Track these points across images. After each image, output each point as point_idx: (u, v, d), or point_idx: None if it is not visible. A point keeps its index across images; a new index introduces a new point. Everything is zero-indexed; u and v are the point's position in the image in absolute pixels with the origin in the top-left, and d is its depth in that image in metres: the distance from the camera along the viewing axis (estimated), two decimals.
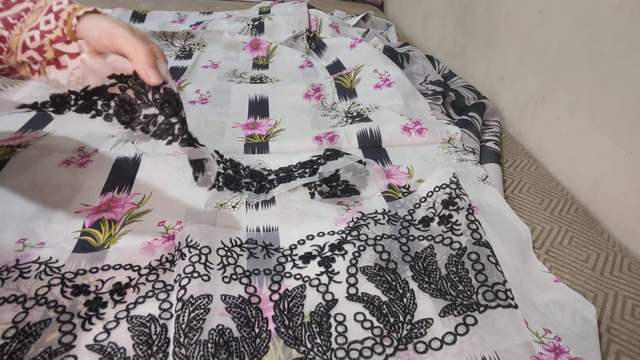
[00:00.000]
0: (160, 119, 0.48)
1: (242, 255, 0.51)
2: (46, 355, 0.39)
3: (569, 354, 0.43)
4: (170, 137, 0.50)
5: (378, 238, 0.53)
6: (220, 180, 0.60)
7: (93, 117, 0.46)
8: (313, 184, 0.64)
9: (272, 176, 0.66)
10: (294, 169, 0.67)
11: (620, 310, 0.50)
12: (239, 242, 0.53)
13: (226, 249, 0.51)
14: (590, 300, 0.51)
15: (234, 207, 0.61)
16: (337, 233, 0.55)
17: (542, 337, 0.45)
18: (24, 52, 0.44)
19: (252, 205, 0.61)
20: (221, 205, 0.61)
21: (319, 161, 0.65)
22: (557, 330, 0.46)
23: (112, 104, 0.46)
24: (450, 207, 0.57)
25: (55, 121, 0.77)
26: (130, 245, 0.53)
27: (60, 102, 0.43)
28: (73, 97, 0.44)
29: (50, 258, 0.48)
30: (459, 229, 0.54)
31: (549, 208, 0.67)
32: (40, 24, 0.43)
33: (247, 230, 0.56)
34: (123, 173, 0.65)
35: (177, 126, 0.49)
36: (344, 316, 0.45)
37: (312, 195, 0.63)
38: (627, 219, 0.64)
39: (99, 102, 0.46)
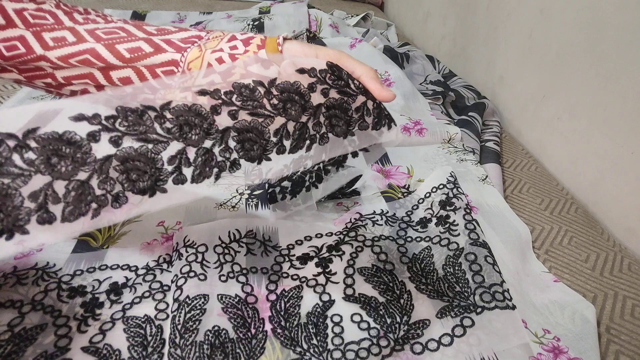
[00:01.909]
0: (291, 126, 0.40)
1: (239, 251, 0.51)
2: (42, 358, 0.39)
3: (568, 354, 0.43)
4: (308, 141, 0.41)
5: (376, 239, 0.53)
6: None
7: (217, 178, 0.36)
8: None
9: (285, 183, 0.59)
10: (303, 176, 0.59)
11: (619, 310, 0.50)
12: (237, 236, 0.52)
13: (223, 245, 0.50)
14: (590, 300, 0.51)
15: (233, 207, 0.61)
16: (335, 234, 0.55)
17: (541, 337, 0.45)
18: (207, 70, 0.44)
19: (251, 206, 0.61)
20: (221, 205, 0.61)
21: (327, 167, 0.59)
22: (556, 331, 0.46)
23: (232, 143, 0.37)
24: (448, 208, 0.57)
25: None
26: (130, 246, 0.52)
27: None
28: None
29: (48, 264, 0.48)
30: (456, 230, 0.54)
31: (549, 208, 0.66)
32: (224, 48, 0.43)
33: (247, 227, 0.56)
34: None
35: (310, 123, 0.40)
36: (341, 317, 0.45)
37: None
38: (627, 219, 0.64)
39: (216, 151, 0.36)
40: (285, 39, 0.44)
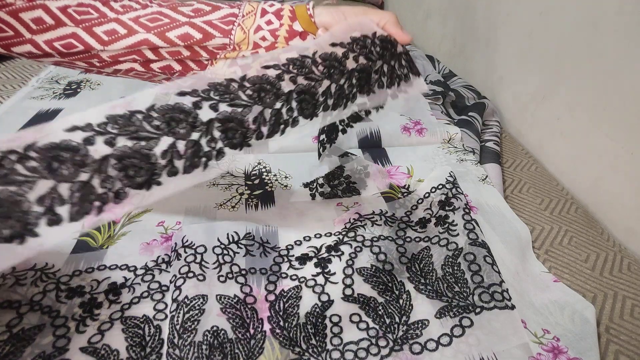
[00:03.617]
0: (334, 87, 0.45)
1: (238, 252, 0.51)
2: (40, 359, 0.39)
3: (568, 354, 0.43)
4: (345, 100, 0.47)
5: (375, 239, 0.53)
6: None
7: (205, 167, 0.39)
8: (315, 185, 0.64)
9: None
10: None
11: (619, 310, 0.49)
12: (236, 238, 0.52)
13: (222, 246, 0.50)
14: (590, 300, 0.50)
15: (233, 207, 0.61)
16: (334, 234, 0.55)
17: (541, 337, 0.45)
18: (255, 49, 0.48)
19: (251, 206, 0.61)
20: (221, 205, 0.61)
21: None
22: (556, 331, 0.46)
23: (294, 103, 0.43)
24: (447, 208, 0.57)
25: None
26: (129, 246, 0.53)
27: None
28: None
29: (46, 264, 0.48)
30: (455, 230, 0.54)
31: (549, 208, 0.66)
32: (262, 25, 0.47)
33: (246, 228, 0.56)
34: None
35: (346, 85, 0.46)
36: (340, 317, 0.45)
37: (313, 197, 0.63)
38: (627, 219, 0.63)
39: (203, 142, 0.38)
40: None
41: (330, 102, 0.45)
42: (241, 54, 0.48)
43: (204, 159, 0.38)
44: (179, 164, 0.36)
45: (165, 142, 0.36)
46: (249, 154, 0.48)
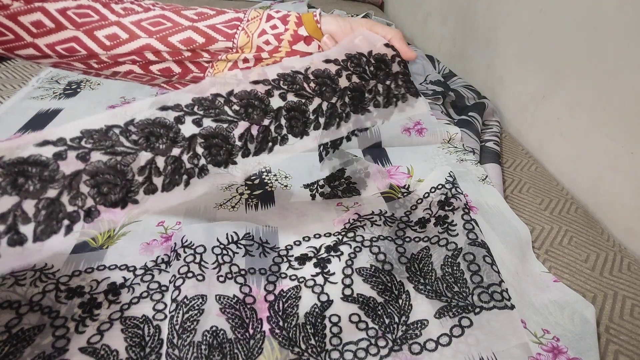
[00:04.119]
0: (325, 105, 0.44)
1: (237, 253, 0.51)
2: (40, 359, 0.39)
3: (568, 354, 0.43)
4: (338, 119, 0.46)
5: (374, 239, 0.53)
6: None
7: (187, 185, 0.37)
8: (315, 186, 0.64)
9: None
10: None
11: (619, 310, 0.49)
12: (235, 238, 0.52)
13: (222, 246, 0.50)
14: (590, 300, 0.50)
15: (233, 207, 0.61)
16: (334, 235, 0.55)
17: (541, 337, 0.45)
18: (258, 52, 0.48)
19: (251, 206, 0.61)
20: (221, 205, 0.61)
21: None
22: (555, 331, 0.46)
23: (283, 120, 0.41)
24: (446, 208, 0.57)
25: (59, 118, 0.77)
26: (129, 246, 0.53)
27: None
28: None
29: (45, 265, 0.48)
30: (454, 230, 0.54)
31: (549, 208, 0.66)
32: (266, 29, 0.47)
33: (245, 229, 0.56)
34: None
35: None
36: (339, 317, 0.45)
37: (313, 197, 0.63)
38: (627, 219, 0.63)
39: (185, 158, 0.37)
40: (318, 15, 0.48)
41: (322, 120, 0.44)
42: (243, 56, 0.47)
43: (185, 177, 0.36)
44: (158, 181, 0.35)
45: (143, 158, 0.34)
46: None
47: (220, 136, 0.38)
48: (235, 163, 0.39)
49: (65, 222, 0.31)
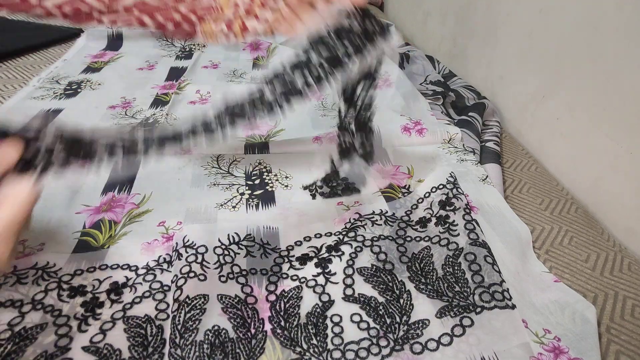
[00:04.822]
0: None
1: (239, 253, 0.51)
2: (42, 358, 0.39)
3: (569, 354, 0.43)
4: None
5: (375, 239, 0.53)
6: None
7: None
8: (314, 186, 0.64)
9: None
10: None
11: (620, 310, 0.50)
12: (236, 239, 0.53)
13: (223, 247, 0.51)
14: (590, 300, 0.50)
15: (234, 207, 0.61)
16: (334, 234, 0.55)
17: (542, 337, 0.45)
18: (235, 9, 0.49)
19: (252, 206, 0.61)
20: (221, 205, 0.61)
21: None
22: (556, 331, 0.46)
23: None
24: (447, 208, 0.57)
25: (59, 118, 0.77)
26: (130, 246, 0.53)
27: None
28: None
29: (47, 263, 0.48)
30: (455, 230, 0.54)
31: (549, 208, 0.66)
32: None
33: (246, 229, 0.56)
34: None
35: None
36: (340, 317, 0.45)
37: (314, 197, 0.63)
38: (627, 219, 0.64)
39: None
40: None
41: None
42: (226, 18, 0.48)
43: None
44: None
45: None
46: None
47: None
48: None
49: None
